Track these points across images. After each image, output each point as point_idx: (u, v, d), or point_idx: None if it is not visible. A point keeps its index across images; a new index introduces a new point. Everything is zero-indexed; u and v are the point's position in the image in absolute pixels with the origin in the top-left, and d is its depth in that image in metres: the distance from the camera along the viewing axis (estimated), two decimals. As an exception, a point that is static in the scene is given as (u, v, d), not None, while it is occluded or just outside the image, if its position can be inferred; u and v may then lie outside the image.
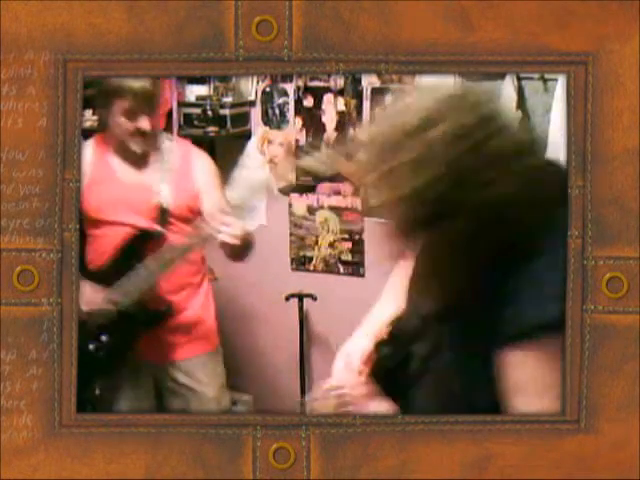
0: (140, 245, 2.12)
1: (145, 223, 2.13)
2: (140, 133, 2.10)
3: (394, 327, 1.49)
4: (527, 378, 1.30)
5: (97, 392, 2.06)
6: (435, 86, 1.34)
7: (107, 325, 2.09)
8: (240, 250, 2.11)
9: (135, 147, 2.12)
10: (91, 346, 2.08)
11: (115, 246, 2.12)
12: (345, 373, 1.55)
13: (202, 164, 2.22)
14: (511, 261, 1.29)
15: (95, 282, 2.08)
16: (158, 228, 2.12)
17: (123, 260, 2.11)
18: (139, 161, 2.15)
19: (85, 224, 2.11)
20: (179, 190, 2.16)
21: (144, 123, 2.08)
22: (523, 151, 1.31)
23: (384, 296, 1.68)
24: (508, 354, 1.30)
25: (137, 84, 2.03)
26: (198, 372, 2.25)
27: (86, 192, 2.09)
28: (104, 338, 2.09)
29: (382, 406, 1.45)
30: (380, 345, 1.51)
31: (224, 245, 2.05)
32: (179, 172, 2.17)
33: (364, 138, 1.36)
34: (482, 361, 1.32)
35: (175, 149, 2.19)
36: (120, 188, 2.15)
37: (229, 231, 2.00)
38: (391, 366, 1.47)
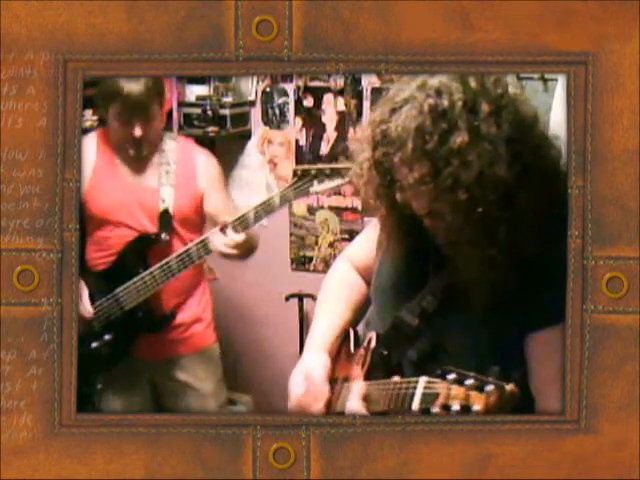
0: (142, 249, 2.11)
1: (147, 226, 2.12)
2: (134, 140, 2.08)
3: (390, 326, 1.48)
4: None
5: (99, 386, 2.08)
6: None
7: (112, 326, 2.10)
8: (241, 255, 2.11)
9: (131, 152, 2.10)
10: (94, 344, 2.08)
11: (119, 248, 2.12)
12: (307, 393, 1.55)
13: (206, 164, 2.19)
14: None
15: (100, 283, 2.08)
16: (160, 232, 2.11)
17: (127, 263, 2.11)
18: (139, 163, 2.14)
19: (89, 224, 2.11)
20: (182, 192, 2.14)
21: (137, 130, 2.07)
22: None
23: (324, 307, 1.68)
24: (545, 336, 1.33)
25: (130, 90, 2.01)
26: (196, 368, 2.25)
27: (89, 189, 2.08)
28: (107, 337, 2.10)
29: None
30: (376, 346, 1.51)
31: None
32: (182, 173, 2.15)
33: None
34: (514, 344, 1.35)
35: (178, 149, 2.17)
36: (123, 187, 2.14)
37: (233, 244, 2.01)
38: (387, 368, 1.46)
